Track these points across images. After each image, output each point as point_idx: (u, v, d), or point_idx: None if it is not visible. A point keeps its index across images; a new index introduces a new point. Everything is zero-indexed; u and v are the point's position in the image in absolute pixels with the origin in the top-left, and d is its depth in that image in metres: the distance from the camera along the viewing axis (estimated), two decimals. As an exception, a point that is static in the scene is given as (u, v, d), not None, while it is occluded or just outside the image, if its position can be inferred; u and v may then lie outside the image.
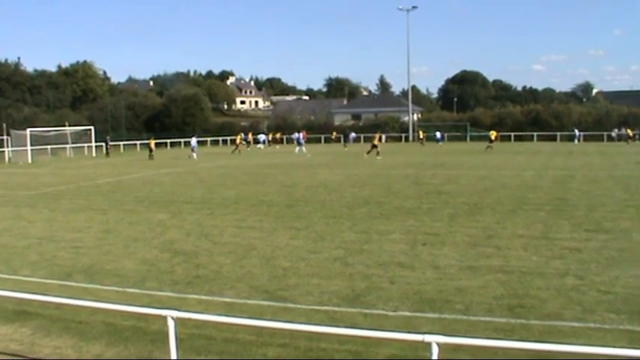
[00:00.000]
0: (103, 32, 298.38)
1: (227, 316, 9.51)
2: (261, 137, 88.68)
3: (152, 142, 64.09)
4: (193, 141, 63.73)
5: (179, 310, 8.26)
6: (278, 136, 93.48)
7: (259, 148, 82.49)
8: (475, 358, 8.03)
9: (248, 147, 75.31)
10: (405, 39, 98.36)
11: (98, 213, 22.94)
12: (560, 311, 10.48)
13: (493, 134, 69.22)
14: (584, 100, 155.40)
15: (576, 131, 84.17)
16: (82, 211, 23.44)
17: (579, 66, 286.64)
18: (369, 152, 55.27)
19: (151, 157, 60.24)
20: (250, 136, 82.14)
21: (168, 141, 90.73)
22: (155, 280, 13.15)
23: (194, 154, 60.14)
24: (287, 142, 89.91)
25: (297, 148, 68.70)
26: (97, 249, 16.50)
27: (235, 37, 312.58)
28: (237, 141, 71.52)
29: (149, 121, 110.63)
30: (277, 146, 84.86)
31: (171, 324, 7.70)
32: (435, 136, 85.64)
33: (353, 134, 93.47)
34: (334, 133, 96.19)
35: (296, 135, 77.04)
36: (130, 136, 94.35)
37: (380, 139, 57.38)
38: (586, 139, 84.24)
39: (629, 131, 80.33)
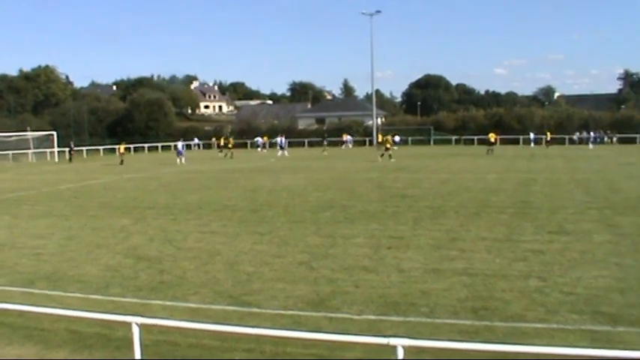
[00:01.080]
0: (65, 37, 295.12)
1: (192, 321, 9.45)
2: (259, 141, 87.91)
3: (122, 147, 63.19)
4: (179, 145, 61.73)
5: (143, 317, 8.22)
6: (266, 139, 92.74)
7: (259, 151, 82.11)
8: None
9: (221, 151, 75.11)
10: (369, 43, 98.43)
11: (60, 219, 22.73)
12: (524, 313, 10.57)
13: (492, 136, 69.11)
14: (546, 103, 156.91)
15: (531, 135, 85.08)
16: (44, 217, 23.21)
17: (540, 70, 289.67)
18: (382, 155, 55.47)
19: (121, 162, 58.94)
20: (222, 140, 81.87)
21: (132, 146, 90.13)
22: (119, 287, 13.05)
23: (182, 159, 58.31)
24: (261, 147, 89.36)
25: (280, 152, 70.36)
26: (59, 255, 16.34)
27: (199, 41, 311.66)
28: (230, 145, 71.00)
29: (112, 126, 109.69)
30: (264, 150, 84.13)
31: (135, 330, 7.65)
32: (394, 139, 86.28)
33: (349, 137, 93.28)
34: (345, 135, 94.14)
35: (278, 139, 77.23)
36: (93, 141, 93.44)
37: (393, 142, 57.36)
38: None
39: (548, 134, 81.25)
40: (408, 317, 10.50)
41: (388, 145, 56.04)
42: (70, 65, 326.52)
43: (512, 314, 10.52)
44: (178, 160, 58.34)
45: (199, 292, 12.42)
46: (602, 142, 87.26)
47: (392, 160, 53.11)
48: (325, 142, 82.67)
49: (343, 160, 56.72)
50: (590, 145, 76.62)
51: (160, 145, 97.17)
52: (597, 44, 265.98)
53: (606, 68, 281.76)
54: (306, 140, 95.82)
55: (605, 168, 41.48)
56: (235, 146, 71.05)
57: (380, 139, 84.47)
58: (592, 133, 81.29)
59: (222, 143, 79.80)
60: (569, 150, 70.67)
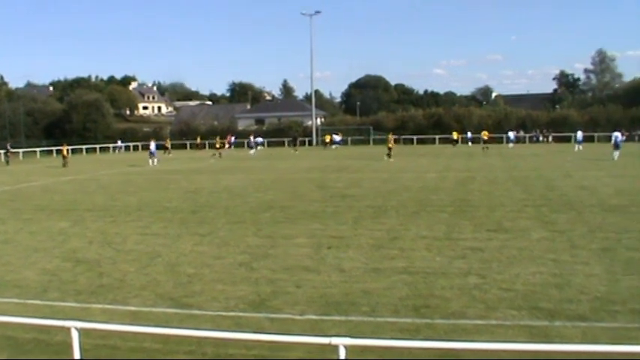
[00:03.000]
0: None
1: (132, 325, 9.37)
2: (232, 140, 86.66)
3: (65, 149, 61.77)
4: (152, 146, 60.06)
5: (83, 321, 8.07)
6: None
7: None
8: (382, 358, 8.08)
9: (169, 153, 74.78)
10: (309, 43, 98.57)
11: (-4, 223, 22.28)
12: (464, 310, 10.67)
13: (485, 134, 70.21)
14: (484, 103, 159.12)
15: (468, 134, 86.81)
16: (-22, 221, 22.71)
17: (479, 70, 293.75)
18: (388, 154, 54.68)
19: (64, 164, 57.33)
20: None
21: (70, 148, 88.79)
22: (57, 291, 12.82)
23: (155, 160, 56.42)
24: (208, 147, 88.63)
25: (252, 151, 72.87)
26: (-5, 260, 16.01)
27: (137, 41, 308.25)
28: (218, 145, 70.43)
29: (49, 128, 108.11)
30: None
31: (75, 335, 7.51)
32: (334, 138, 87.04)
33: (336, 138, 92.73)
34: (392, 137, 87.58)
35: (252, 138, 78.66)
36: (30, 143, 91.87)
37: (396, 141, 56.78)
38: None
39: (455, 134, 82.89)
40: (350, 316, 10.53)
41: (391, 145, 55.42)
42: (4, 65, 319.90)
43: (453, 311, 10.61)
44: (150, 161, 56.67)
45: (140, 295, 12.29)
46: (537, 140, 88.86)
47: (390, 160, 52.41)
48: (297, 142, 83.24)
49: (310, 160, 56.70)
50: (510, 145, 78.40)
51: (98, 146, 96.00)
52: (534, 45, 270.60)
53: (542, 69, 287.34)
54: (246, 141, 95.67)
55: (542, 166, 42.16)
56: (221, 147, 70.37)
57: (328, 139, 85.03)
58: (511, 134, 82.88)
59: (167, 145, 79.43)
60: (507, 149, 71.60)
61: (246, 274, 13.69)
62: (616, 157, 47.02)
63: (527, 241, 16.33)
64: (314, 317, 10.57)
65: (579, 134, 66.62)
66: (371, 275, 13.28)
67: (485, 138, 69.75)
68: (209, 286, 12.78)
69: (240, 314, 10.86)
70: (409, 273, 13.30)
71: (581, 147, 63.05)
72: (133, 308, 11.43)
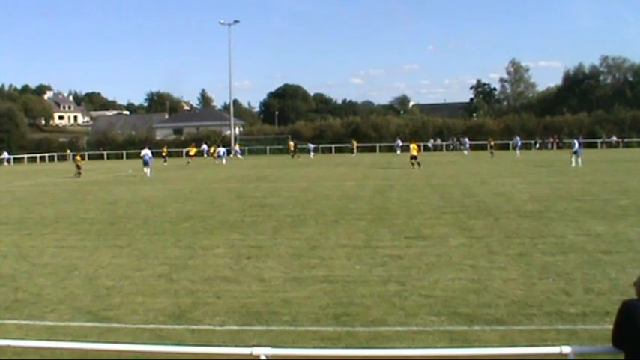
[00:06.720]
0: None
1: (49, 340, 9.14)
2: (221, 150, 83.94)
3: (79, 156, 58.81)
4: (148, 154, 53.94)
5: (-4, 337, 7.85)
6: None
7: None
8: (303, 367, 8.05)
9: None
10: (227, 53, 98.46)
11: None
12: (384, 317, 10.72)
13: (492, 140, 72.00)
14: (402, 112, 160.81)
15: (398, 142, 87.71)
16: None
17: (396, 80, 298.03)
18: (418, 164, 51.31)
19: (79, 174, 53.87)
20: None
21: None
22: (-31, 307, 12.46)
23: (148, 170, 51.72)
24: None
25: (218, 161, 71.33)
26: None
27: (52, 50, 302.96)
28: (192, 153, 72.77)
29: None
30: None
31: (-13, 352, 7.31)
32: (236, 150, 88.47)
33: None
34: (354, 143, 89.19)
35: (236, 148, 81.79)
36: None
37: (419, 149, 56.08)
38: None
39: (354, 142, 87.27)
40: (271, 326, 10.49)
41: (415, 153, 54.66)
42: None
43: (373, 319, 10.66)
44: (145, 170, 51.97)
45: (57, 309, 12.01)
46: (455, 149, 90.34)
47: (414, 168, 49.50)
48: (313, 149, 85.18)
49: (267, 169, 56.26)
50: (398, 151, 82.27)
51: (12, 157, 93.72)
52: (450, 55, 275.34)
53: (458, 78, 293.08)
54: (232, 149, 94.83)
55: (459, 174, 42.79)
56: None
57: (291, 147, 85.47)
58: (399, 142, 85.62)
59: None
60: (425, 157, 72.42)
61: (165, 286, 13.53)
62: (580, 163, 47.86)
63: (445, 247, 16.53)
64: (235, 327, 10.50)
65: (518, 140, 69.16)
66: (291, 284, 13.26)
67: (492, 144, 71.63)
68: (128, 299, 12.58)
69: (161, 326, 10.72)
70: (329, 281, 13.32)
71: (519, 153, 66.66)
72: (50, 323, 11.16)
